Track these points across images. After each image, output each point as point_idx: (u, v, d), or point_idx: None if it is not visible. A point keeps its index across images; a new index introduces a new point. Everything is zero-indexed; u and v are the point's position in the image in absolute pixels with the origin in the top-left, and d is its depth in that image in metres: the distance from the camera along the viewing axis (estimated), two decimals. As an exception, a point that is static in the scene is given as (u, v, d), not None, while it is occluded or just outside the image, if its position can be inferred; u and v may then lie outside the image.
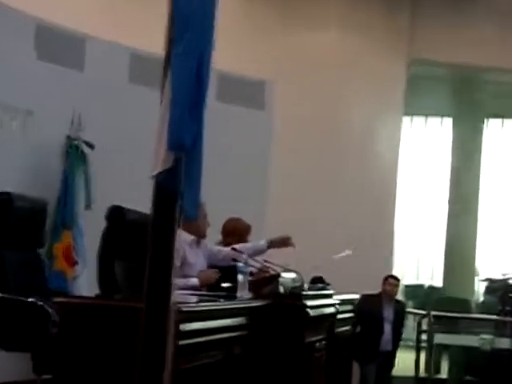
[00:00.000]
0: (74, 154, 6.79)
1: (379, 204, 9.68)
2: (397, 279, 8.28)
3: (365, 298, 7.54)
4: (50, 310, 4.16)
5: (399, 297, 9.04)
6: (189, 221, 4.87)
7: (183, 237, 4.89)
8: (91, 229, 6.08)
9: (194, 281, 4.84)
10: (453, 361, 9.34)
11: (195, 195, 2.54)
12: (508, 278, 9.35)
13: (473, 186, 13.95)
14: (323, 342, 4.92)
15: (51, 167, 6.70)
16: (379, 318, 7.94)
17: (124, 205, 4.78)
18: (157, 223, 2.66)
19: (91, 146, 6.87)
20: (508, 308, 9.01)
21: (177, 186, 2.50)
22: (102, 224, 4.74)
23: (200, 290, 4.68)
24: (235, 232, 5.81)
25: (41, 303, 4.27)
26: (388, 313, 8.05)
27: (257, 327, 4.16)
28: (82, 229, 6.62)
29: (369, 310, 7.67)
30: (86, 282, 6.31)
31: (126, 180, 6.82)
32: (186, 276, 4.68)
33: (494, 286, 9.43)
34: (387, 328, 7.98)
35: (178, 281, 4.66)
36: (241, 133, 8.30)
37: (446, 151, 14.70)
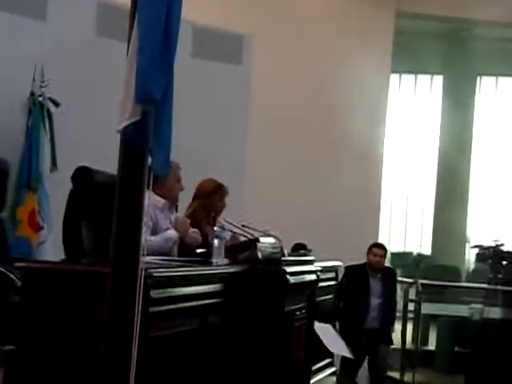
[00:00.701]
0: (38, 111, 6.70)
1: (366, 167, 9.70)
2: (383, 248, 7.80)
3: (349, 269, 7.39)
4: (12, 276, 4.14)
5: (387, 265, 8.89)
6: (159, 180, 4.89)
7: (154, 200, 4.88)
8: (57, 191, 6.03)
9: (171, 233, 4.81)
10: (441, 331, 9.44)
11: (165, 151, 2.52)
12: (500, 245, 9.41)
13: (464, 150, 14.02)
14: (303, 311, 4.94)
15: (13, 126, 6.62)
16: (364, 293, 7.55)
17: (91, 165, 4.75)
18: (124, 181, 2.63)
19: (56, 104, 6.79)
20: (499, 276, 9.09)
21: (145, 141, 2.47)
22: (68, 186, 4.71)
23: (178, 243, 4.67)
24: (200, 193, 5.76)
25: (1, 269, 4.25)
26: (375, 287, 7.63)
27: (233, 295, 4.16)
28: (47, 191, 6.56)
29: (353, 284, 7.43)
30: (51, 248, 6.27)
31: (93, 140, 6.76)
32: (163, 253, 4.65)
33: (485, 254, 9.49)
34: (374, 303, 7.59)
35: (152, 238, 4.67)
36: (218, 88, 8.23)
37: (436, 111, 14.73)
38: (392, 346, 8.33)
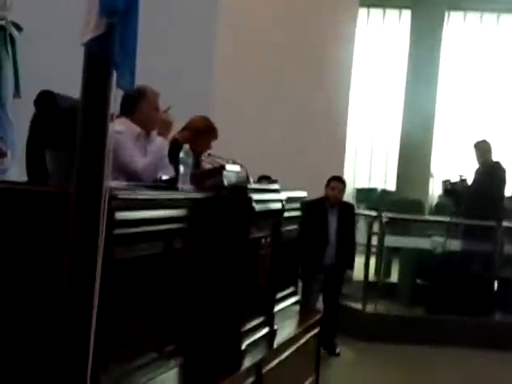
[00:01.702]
0: (1, 37, 6.55)
1: (332, 102, 9.63)
2: (341, 181, 7.83)
3: (308, 204, 7.41)
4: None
5: (350, 201, 8.98)
6: (136, 108, 4.82)
7: (130, 127, 4.82)
8: (21, 118, 5.93)
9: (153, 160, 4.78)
10: (404, 264, 9.58)
11: (130, 64, 2.46)
12: (465, 180, 9.50)
13: (430, 82, 14.02)
14: (268, 240, 4.95)
15: (-26, 50, 6.47)
16: (323, 227, 7.58)
17: (56, 91, 4.66)
18: (88, 97, 2.58)
19: (19, 28, 6.63)
20: (462, 209, 9.19)
21: (110, 53, 2.41)
22: (32, 113, 4.62)
23: None
24: (189, 126, 5.76)
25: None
26: (333, 220, 7.66)
27: (199, 221, 4.15)
28: (10, 118, 6.46)
29: (312, 218, 7.25)
30: (15, 176, 6.20)
31: (57, 65, 6.64)
32: (130, 177, 4.60)
33: (452, 188, 9.59)
34: (332, 238, 7.63)
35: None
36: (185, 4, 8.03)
37: (404, 46, 14.68)
38: (355, 279, 8.52)
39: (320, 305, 7.73)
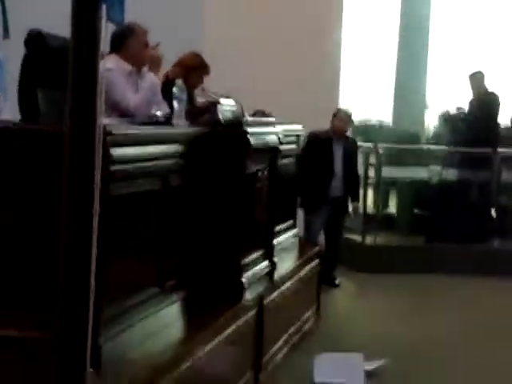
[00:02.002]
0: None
1: (325, 35, 9.49)
2: (348, 113, 7.85)
3: (312, 136, 7.35)
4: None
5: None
6: (124, 44, 4.77)
7: (121, 65, 4.78)
8: (12, 60, 5.86)
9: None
10: (401, 195, 9.58)
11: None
12: (463, 110, 9.49)
13: (423, 17, 13.89)
14: (265, 173, 4.95)
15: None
16: (328, 159, 7.54)
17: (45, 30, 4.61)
18: (78, 33, 2.54)
19: (6, -33, 6.52)
20: (459, 139, 9.18)
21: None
22: (23, 53, 4.57)
23: None
24: (180, 63, 5.72)
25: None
26: (339, 153, 7.62)
27: (195, 157, 4.14)
28: (0, 60, 6.38)
29: (317, 149, 7.42)
30: (7, 118, 6.15)
31: (45, 4, 6.53)
32: (123, 114, 4.56)
33: (450, 118, 9.58)
34: (338, 170, 7.59)
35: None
36: None
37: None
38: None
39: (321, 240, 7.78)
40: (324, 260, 6.66)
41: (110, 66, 4.44)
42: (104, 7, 2.46)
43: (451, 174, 8.99)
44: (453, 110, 9.78)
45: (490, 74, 10.47)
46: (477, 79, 9.21)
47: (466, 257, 8.45)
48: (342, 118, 7.70)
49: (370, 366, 5.09)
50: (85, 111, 2.80)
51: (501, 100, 9.23)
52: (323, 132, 7.62)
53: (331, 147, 7.61)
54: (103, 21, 2.50)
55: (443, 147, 9.59)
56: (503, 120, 9.78)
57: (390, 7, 15.51)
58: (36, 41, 4.53)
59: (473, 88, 9.20)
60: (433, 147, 10.07)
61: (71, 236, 2.73)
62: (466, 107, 9.47)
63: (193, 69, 5.71)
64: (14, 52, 5.03)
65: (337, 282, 7.74)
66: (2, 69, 6.48)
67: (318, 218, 7.54)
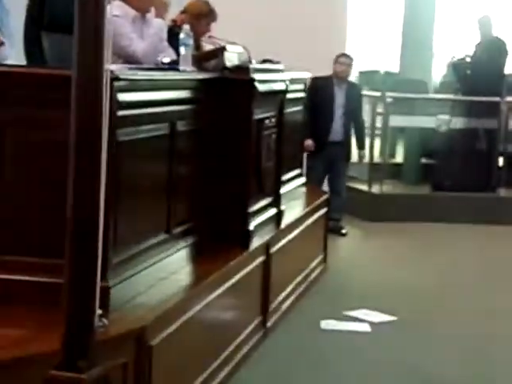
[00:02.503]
0: None
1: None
2: (349, 58, 7.87)
3: (314, 80, 7.24)
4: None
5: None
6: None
7: (126, 10, 4.72)
8: (16, 6, 5.80)
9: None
10: (409, 144, 9.53)
11: None
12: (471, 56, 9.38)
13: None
14: (273, 120, 4.92)
15: None
16: (329, 103, 7.62)
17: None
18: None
19: None
20: (467, 86, 9.10)
21: None
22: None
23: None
24: (187, 10, 5.66)
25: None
26: (340, 97, 7.69)
27: (202, 103, 4.11)
28: (5, 5, 6.31)
29: (318, 93, 7.43)
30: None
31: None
32: (129, 61, 4.52)
33: (457, 64, 9.48)
34: (338, 114, 7.65)
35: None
36: None
37: None
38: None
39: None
40: (329, 207, 6.66)
41: (116, 12, 4.38)
42: None
43: (459, 123, 8.92)
44: (460, 57, 9.67)
45: (499, 21, 10.35)
46: (484, 23, 9.13)
47: (472, 205, 8.44)
48: (342, 62, 7.76)
49: (378, 319, 5.14)
50: (91, 57, 2.76)
51: (508, 47, 9.14)
52: (325, 77, 7.68)
53: (332, 91, 7.67)
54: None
55: (450, 96, 9.51)
56: (510, 69, 9.68)
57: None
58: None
59: (480, 32, 9.13)
60: (440, 96, 9.98)
61: (79, 181, 2.72)
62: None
63: (200, 16, 5.65)
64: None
65: (344, 231, 7.74)
66: (7, 15, 6.42)
67: (319, 162, 7.59)
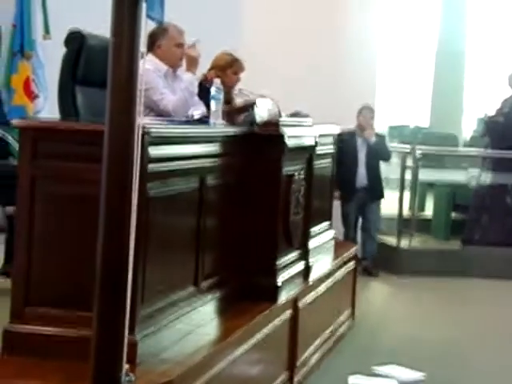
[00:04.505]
0: (29, -21, 6.52)
1: (361, 39, 9.42)
2: (372, 110, 8.40)
3: (341, 133, 7.54)
4: (10, 139, 4.11)
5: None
6: (157, 44, 4.81)
7: (156, 64, 4.81)
8: (52, 59, 5.93)
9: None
10: (438, 198, 9.50)
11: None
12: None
13: (462, 16, 13.80)
14: (302, 175, 4.94)
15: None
16: (353, 152, 8.16)
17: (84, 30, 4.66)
18: (118, 29, 2.55)
19: (47, -31, 6.61)
20: (497, 141, 9.07)
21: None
22: (63, 53, 4.63)
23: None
24: (214, 64, 5.75)
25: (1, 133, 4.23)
26: (363, 146, 8.25)
27: (232, 157, 4.15)
28: (41, 59, 6.47)
29: (344, 145, 7.63)
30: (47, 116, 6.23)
31: (86, 4, 6.58)
32: (161, 115, 4.59)
33: (489, 120, 9.48)
34: (362, 162, 8.22)
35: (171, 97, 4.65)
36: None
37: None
38: (389, 214, 8.57)
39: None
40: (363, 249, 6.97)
41: (148, 66, 4.47)
42: (144, 6, 2.46)
43: (489, 178, 8.89)
44: (492, 113, 9.67)
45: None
46: None
47: (502, 261, 8.36)
48: (365, 114, 8.29)
49: (407, 377, 5.08)
50: (124, 111, 2.80)
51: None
52: (351, 130, 8.19)
53: (355, 142, 8.23)
54: (143, 19, 2.50)
55: (481, 150, 9.48)
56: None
57: (428, 11, 15.43)
58: (75, 41, 4.59)
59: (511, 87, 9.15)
60: (470, 150, 9.96)
61: (109, 235, 2.75)
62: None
63: (225, 67, 5.73)
64: (55, 52, 5.11)
65: (375, 271, 8.09)
66: (42, 68, 6.58)
67: (350, 209, 8.18)
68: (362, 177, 8.23)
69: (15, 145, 4.04)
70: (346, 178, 7.98)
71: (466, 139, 12.75)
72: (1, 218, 4.55)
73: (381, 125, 12.65)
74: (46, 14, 6.60)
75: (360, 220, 8.34)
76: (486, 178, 8.88)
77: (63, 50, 4.60)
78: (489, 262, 8.32)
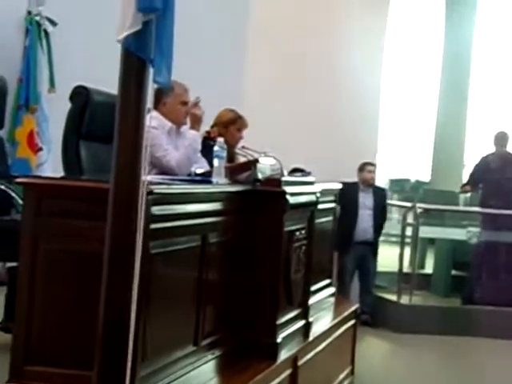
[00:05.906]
0: (35, 31, 6.61)
1: (363, 92, 9.54)
2: (374, 165, 8.59)
3: (343, 186, 7.59)
4: (13, 194, 4.13)
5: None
6: (162, 101, 4.86)
7: (162, 121, 4.86)
8: (56, 113, 6.00)
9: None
10: (438, 255, 9.51)
11: (167, 60, 2.48)
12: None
13: (463, 79, 13.96)
14: (303, 232, 4.95)
15: (10, 45, 6.52)
16: (354, 206, 8.29)
17: (90, 86, 4.72)
18: (125, 94, 2.60)
19: (53, 23, 6.69)
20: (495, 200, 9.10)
21: (146, 50, 2.43)
22: (68, 107, 4.69)
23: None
24: (217, 121, 5.81)
25: (2, 186, 4.25)
26: (365, 200, 8.40)
27: (234, 214, 4.17)
28: (46, 113, 6.53)
29: (345, 198, 7.64)
30: (51, 170, 6.27)
31: (91, 60, 6.66)
32: (164, 171, 4.63)
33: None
34: (364, 216, 8.35)
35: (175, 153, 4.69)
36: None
37: (438, 35, 14.59)
38: (389, 270, 8.59)
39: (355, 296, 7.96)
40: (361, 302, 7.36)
41: (153, 123, 4.51)
42: (151, 71, 2.51)
43: (490, 236, 8.91)
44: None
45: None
46: (497, 138, 9.19)
47: (503, 320, 8.32)
48: (370, 169, 8.53)
49: None
50: (129, 168, 2.83)
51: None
52: (351, 183, 8.23)
53: (357, 196, 8.41)
54: (150, 84, 2.55)
55: (481, 209, 9.51)
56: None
57: (430, 66, 15.59)
58: (80, 96, 4.65)
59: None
60: (470, 208, 9.99)
61: (111, 293, 2.76)
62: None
63: (228, 123, 5.79)
64: (60, 106, 5.17)
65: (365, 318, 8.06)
66: (46, 121, 6.64)
67: (348, 261, 8.27)
68: (361, 230, 8.33)
69: (18, 199, 4.06)
70: (346, 231, 8.03)
71: (466, 196, 12.78)
72: (2, 272, 4.55)
73: (381, 178, 12.73)
74: (52, 67, 6.68)
75: (356, 273, 8.44)
76: (487, 236, 8.89)
77: (68, 102, 4.66)
78: (489, 321, 8.28)
